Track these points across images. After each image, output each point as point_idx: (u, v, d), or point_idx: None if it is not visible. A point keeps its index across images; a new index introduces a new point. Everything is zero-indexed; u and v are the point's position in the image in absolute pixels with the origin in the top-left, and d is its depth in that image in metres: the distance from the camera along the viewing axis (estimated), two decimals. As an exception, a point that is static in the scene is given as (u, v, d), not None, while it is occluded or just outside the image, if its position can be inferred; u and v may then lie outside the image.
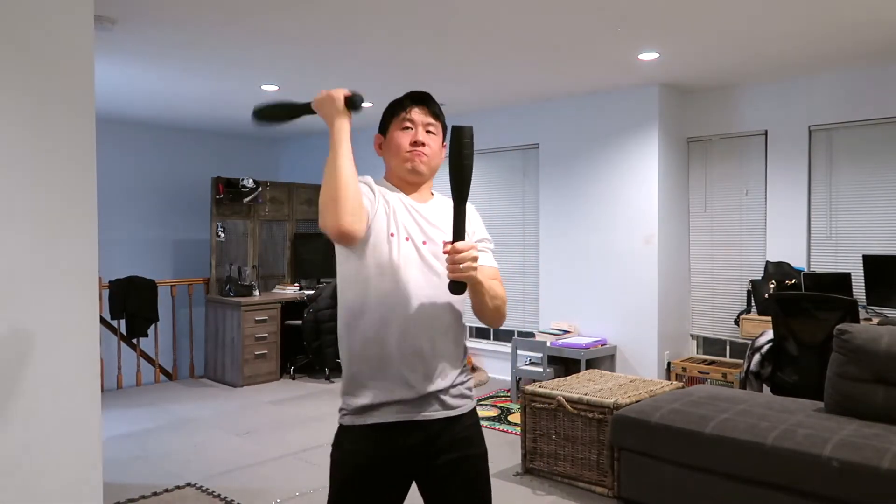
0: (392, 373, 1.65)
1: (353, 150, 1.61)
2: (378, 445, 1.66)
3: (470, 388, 1.79)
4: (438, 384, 1.68)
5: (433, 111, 1.78)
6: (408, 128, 1.75)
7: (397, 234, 1.68)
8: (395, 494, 1.70)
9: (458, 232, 1.57)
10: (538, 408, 3.79)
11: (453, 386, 1.71)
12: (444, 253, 1.56)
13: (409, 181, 1.76)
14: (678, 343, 5.60)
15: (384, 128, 1.82)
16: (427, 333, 1.66)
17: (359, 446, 1.67)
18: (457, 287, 1.58)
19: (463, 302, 1.71)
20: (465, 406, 1.74)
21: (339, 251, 1.73)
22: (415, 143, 1.73)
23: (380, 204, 1.69)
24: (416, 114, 1.76)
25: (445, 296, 1.65)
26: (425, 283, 1.67)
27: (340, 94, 1.62)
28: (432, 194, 1.83)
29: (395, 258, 1.66)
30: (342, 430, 1.72)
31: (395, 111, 1.79)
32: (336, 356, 6.38)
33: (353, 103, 1.64)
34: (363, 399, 1.67)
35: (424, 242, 1.70)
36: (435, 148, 1.77)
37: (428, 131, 1.76)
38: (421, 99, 1.78)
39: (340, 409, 1.74)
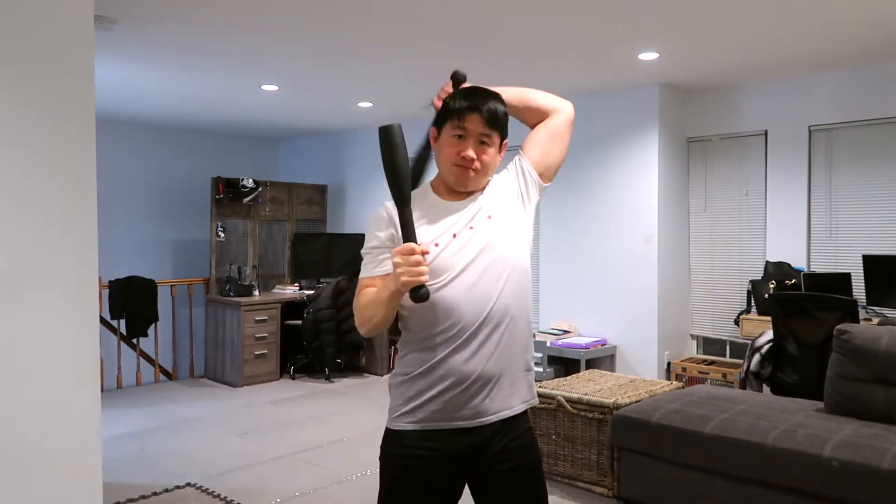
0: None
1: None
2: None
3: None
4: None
5: (489, 119, 1.63)
6: (460, 136, 1.63)
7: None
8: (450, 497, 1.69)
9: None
10: (538, 408, 3.79)
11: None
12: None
13: (456, 190, 1.69)
14: (678, 343, 5.60)
15: (439, 122, 1.70)
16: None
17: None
18: (416, 294, 1.49)
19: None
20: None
21: None
22: (464, 158, 1.62)
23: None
24: (471, 122, 1.62)
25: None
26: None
27: (410, 285, 1.48)
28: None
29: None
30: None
31: (450, 114, 1.65)
32: (335, 356, 6.38)
33: (416, 296, 1.50)
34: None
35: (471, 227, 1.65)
36: (488, 159, 1.66)
37: (482, 142, 1.64)
38: (476, 106, 1.62)
39: None
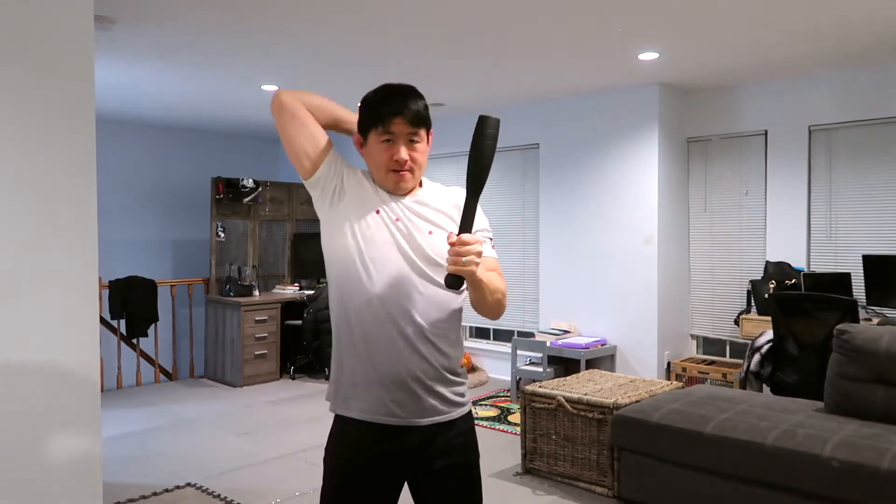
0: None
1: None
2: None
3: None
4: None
5: (414, 118, 1.61)
6: (388, 140, 1.62)
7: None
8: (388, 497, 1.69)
9: (466, 224, 1.51)
10: (538, 408, 3.79)
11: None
12: (450, 244, 1.49)
13: (393, 192, 1.69)
14: (678, 343, 5.60)
15: (363, 129, 1.68)
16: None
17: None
18: (455, 281, 1.51)
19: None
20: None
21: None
22: (397, 161, 1.62)
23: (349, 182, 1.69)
24: (397, 126, 1.61)
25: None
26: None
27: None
28: (421, 184, 1.74)
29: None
30: None
31: (372, 121, 1.63)
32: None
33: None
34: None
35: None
36: (420, 157, 1.66)
37: (412, 141, 1.63)
38: (399, 109, 1.60)
39: None
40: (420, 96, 1.67)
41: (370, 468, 1.64)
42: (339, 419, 1.69)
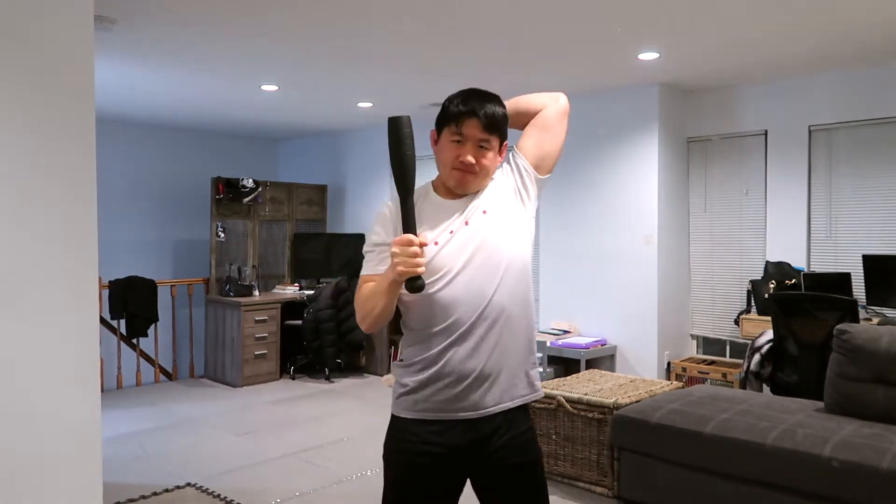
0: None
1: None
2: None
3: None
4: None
5: (488, 124, 1.62)
6: (458, 140, 1.63)
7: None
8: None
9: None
10: (538, 408, 3.79)
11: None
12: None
13: (455, 192, 1.70)
14: (678, 343, 5.60)
15: (438, 125, 1.70)
16: None
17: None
18: (411, 284, 1.53)
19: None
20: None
21: None
22: (462, 163, 1.63)
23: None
24: (469, 127, 1.62)
25: None
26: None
27: (407, 275, 1.53)
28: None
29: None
30: None
31: (448, 118, 1.64)
32: (335, 356, 6.38)
33: (412, 286, 1.55)
34: None
35: (467, 223, 1.67)
36: (487, 163, 1.66)
37: (481, 146, 1.64)
38: (473, 111, 1.61)
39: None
40: (501, 104, 1.67)
41: (433, 460, 1.66)
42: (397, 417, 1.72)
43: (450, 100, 1.67)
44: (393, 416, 1.72)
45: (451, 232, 1.65)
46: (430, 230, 1.65)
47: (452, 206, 1.69)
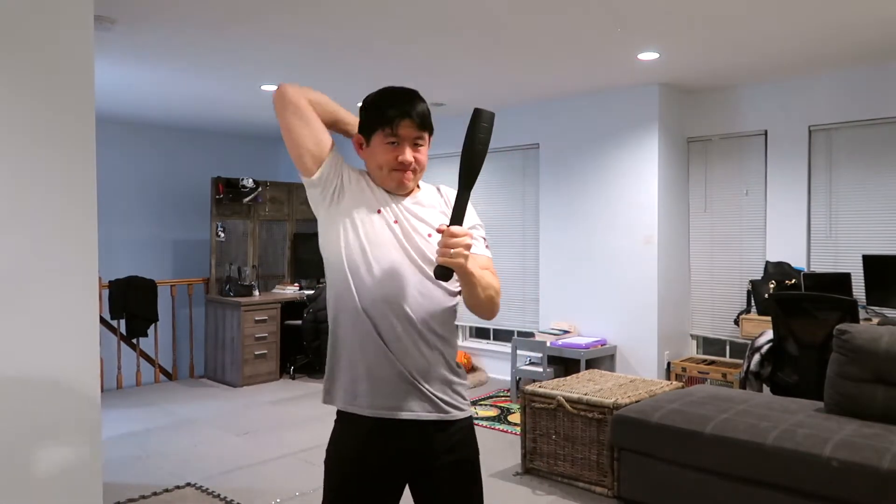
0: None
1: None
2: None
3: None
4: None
5: (421, 122, 1.64)
6: (393, 143, 1.64)
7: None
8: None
9: (457, 217, 1.55)
10: (538, 408, 3.79)
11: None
12: (438, 232, 1.53)
13: (394, 192, 1.70)
14: (678, 343, 5.60)
15: (366, 130, 1.69)
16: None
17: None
18: (443, 273, 1.53)
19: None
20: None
21: None
22: (402, 163, 1.64)
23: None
24: (404, 129, 1.62)
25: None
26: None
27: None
28: (419, 187, 1.76)
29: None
30: None
31: (378, 122, 1.64)
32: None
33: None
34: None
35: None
36: (424, 159, 1.68)
37: (416, 144, 1.65)
38: (407, 111, 1.62)
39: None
40: (423, 100, 1.69)
41: (372, 465, 1.64)
42: (341, 416, 1.70)
43: (372, 103, 1.67)
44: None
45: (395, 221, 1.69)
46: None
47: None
